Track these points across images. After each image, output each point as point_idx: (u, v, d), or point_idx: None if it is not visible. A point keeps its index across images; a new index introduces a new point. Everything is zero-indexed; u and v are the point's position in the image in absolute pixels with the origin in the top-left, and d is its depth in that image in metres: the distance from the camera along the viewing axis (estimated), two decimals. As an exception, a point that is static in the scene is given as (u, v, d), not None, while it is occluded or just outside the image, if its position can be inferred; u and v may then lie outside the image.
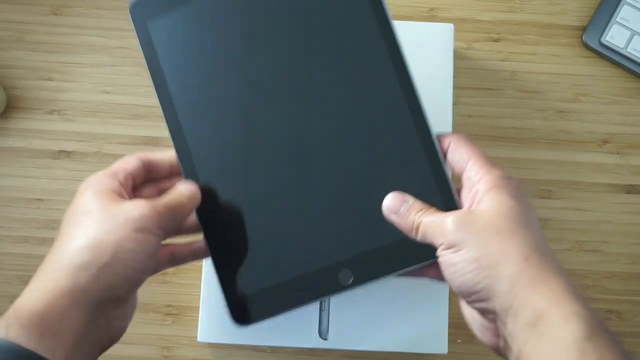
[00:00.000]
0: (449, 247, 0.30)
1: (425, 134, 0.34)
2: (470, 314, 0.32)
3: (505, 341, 0.30)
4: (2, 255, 0.49)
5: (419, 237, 0.32)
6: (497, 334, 0.30)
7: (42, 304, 0.28)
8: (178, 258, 0.37)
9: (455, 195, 0.33)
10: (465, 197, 0.32)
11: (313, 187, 0.35)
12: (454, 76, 0.45)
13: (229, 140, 0.36)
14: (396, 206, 0.33)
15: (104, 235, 0.30)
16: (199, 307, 0.45)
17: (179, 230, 0.37)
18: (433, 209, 0.32)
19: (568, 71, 0.52)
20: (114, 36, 0.52)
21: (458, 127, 0.50)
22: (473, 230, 0.30)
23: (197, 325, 0.45)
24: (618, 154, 0.51)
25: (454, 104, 0.45)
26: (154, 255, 0.31)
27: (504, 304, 0.28)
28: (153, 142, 0.51)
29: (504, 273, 0.28)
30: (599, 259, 0.49)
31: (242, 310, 0.35)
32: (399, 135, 0.34)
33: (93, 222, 0.30)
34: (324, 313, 0.45)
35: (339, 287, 0.34)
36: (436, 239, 0.31)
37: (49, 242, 0.49)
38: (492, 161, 0.33)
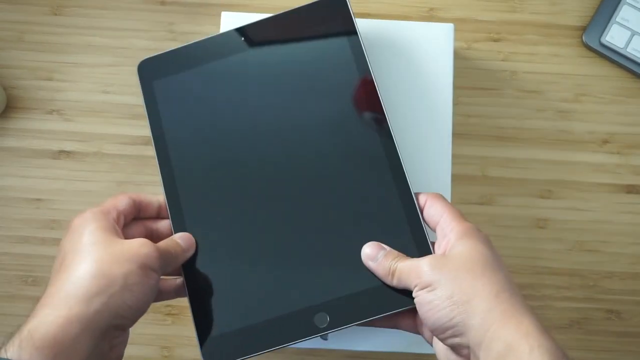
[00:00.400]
0: (424, 287, 0.32)
1: (404, 190, 0.37)
2: (444, 354, 0.34)
3: None
4: (2, 255, 0.49)
5: (394, 282, 0.35)
6: None
7: (56, 328, 0.29)
8: (164, 294, 0.39)
9: (430, 247, 0.36)
10: (438, 247, 0.35)
11: (294, 235, 0.38)
12: (454, 76, 0.45)
13: (216, 191, 0.39)
14: (374, 253, 0.36)
15: (114, 266, 0.32)
16: (198, 307, 0.45)
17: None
18: (408, 257, 0.35)
19: (568, 71, 0.52)
20: (114, 36, 0.52)
21: (458, 127, 0.50)
22: (447, 271, 0.32)
23: (197, 325, 0.46)
24: (618, 154, 0.51)
25: (454, 104, 0.45)
26: (155, 290, 0.33)
27: (477, 337, 0.30)
28: (153, 142, 0.51)
29: (477, 308, 0.31)
30: (599, 259, 0.49)
31: (213, 350, 0.36)
32: (380, 191, 0.37)
33: (101, 253, 0.32)
34: (324, 313, 0.44)
35: (314, 330, 0.36)
36: (411, 281, 0.33)
37: (48, 242, 0.49)
38: (463, 215, 0.35)
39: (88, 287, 0.31)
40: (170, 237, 0.37)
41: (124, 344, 0.34)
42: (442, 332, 0.32)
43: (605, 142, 0.51)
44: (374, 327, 0.44)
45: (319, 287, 0.36)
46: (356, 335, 0.44)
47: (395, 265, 0.35)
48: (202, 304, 0.37)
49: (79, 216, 0.35)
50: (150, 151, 0.50)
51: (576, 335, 0.48)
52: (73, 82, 0.51)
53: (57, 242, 0.49)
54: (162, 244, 0.35)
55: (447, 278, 0.32)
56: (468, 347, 0.31)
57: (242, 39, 0.41)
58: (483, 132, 0.51)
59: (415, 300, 0.33)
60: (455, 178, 0.48)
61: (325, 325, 0.35)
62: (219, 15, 0.50)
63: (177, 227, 0.38)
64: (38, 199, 0.50)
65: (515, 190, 0.50)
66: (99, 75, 0.51)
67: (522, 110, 0.51)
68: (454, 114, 0.46)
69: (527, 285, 0.49)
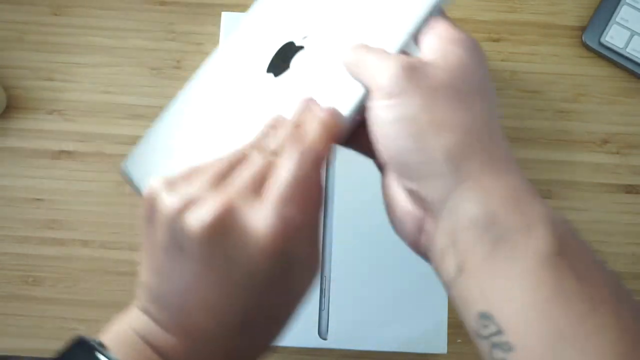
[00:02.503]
0: (383, 98, 0.23)
1: None
2: (391, 191, 0.25)
3: (432, 240, 0.24)
4: (2, 255, 0.49)
5: (352, 70, 0.26)
6: (421, 227, 0.24)
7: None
8: None
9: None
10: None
11: None
12: (454, 76, 0.45)
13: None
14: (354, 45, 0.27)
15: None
16: (199, 307, 0.45)
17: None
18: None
19: (568, 71, 0.52)
20: (114, 36, 0.52)
21: (458, 127, 0.50)
22: (419, 85, 0.23)
23: (197, 325, 0.46)
24: (618, 154, 0.51)
25: (453, 104, 0.45)
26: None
27: (441, 189, 0.22)
28: (153, 142, 0.51)
29: (448, 148, 0.22)
30: (598, 259, 0.49)
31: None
32: None
33: None
34: (324, 313, 0.45)
35: None
36: (369, 77, 0.24)
37: (48, 242, 0.49)
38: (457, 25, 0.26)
39: None
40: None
41: None
42: (394, 168, 0.24)
43: (605, 142, 0.51)
44: (373, 327, 0.44)
45: None
46: (356, 335, 0.44)
47: (363, 55, 0.25)
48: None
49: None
50: (151, 151, 0.50)
51: (576, 335, 0.48)
52: (73, 82, 0.51)
53: (57, 242, 0.49)
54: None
55: (418, 94, 0.23)
56: (424, 199, 0.23)
57: None
58: (483, 132, 0.51)
59: (367, 114, 0.24)
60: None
61: None
62: (219, 15, 0.50)
63: None
64: (38, 199, 0.50)
65: (515, 190, 0.50)
66: (99, 75, 0.51)
67: (522, 110, 0.51)
68: (454, 114, 0.46)
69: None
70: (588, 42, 0.52)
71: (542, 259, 0.20)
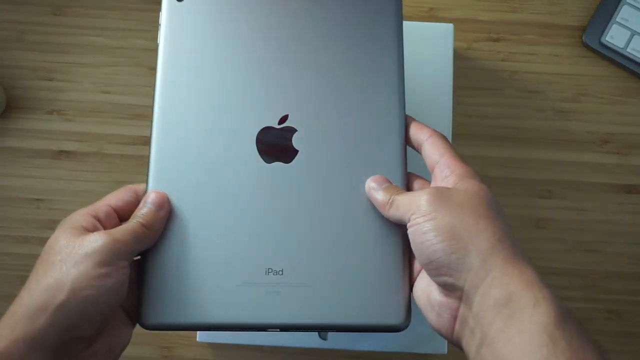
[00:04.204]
0: (422, 216, 0.30)
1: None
2: (427, 293, 0.31)
3: (465, 323, 0.29)
4: (2, 255, 0.49)
5: (391, 211, 0.32)
6: (456, 315, 0.29)
7: (1, 352, 0.26)
8: None
9: None
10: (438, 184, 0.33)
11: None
12: (454, 76, 0.45)
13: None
14: (379, 182, 0.33)
15: (63, 274, 0.28)
16: (199, 307, 0.45)
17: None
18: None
19: (568, 71, 0.52)
20: (114, 36, 0.52)
21: (458, 127, 0.50)
22: (450, 203, 0.29)
23: (197, 325, 0.46)
24: (618, 154, 0.51)
25: (454, 104, 0.45)
26: (119, 289, 0.29)
27: (475, 280, 0.28)
28: (153, 142, 0.51)
29: (479, 248, 0.28)
30: (599, 259, 0.49)
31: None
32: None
33: (55, 261, 0.29)
34: (324, 313, 0.44)
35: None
36: (409, 209, 0.30)
37: (49, 242, 0.49)
38: (464, 159, 0.33)
39: (33, 303, 0.27)
40: (134, 213, 0.32)
41: (96, 356, 0.30)
42: (434, 268, 0.29)
43: (605, 142, 0.51)
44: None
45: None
46: (356, 335, 0.44)
47: (395, 197, 0.32)
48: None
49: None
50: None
51: (576, 335, 0.48)
52: (73, 82, 0.51)
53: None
54: (120, 229, 0.30)
55: (449, 210, 0.29)
56: (461, 289, 0.28)
57: None
58: (483, 132, 0.51)
59: (409, 231, 0.30)
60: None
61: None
62: (219, 15, 0.50)
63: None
64: (38, 199, 0.50)
65: (515, 190, 0.50)
66: (99, 75, 0.51)
67: (522, 110, 0.51)
68: (454, 114, 0.46)
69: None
70: (588, 42, 0.52)
71: (542, 329, 0.25)
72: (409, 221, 0.30)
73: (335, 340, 0.44)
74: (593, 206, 0.50)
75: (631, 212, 0.50)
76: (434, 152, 0.33)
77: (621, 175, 0.50)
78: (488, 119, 0.51)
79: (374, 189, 0.33)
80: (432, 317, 0.31)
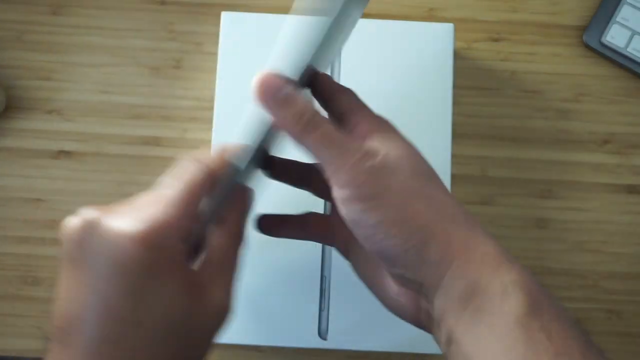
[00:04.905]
0: (361, 199, 0.24)
1: None
2: (382, 279, 0.27)
3: (428, 316, 0.26)
4: (2, 255, 0.49)
5: (311, 138, 0.25)
6: (418, 305, 0.26)
7: None
8: None
9: None
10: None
11: None
12: (454, 76, 0.45)
13: None
14: (277, 84, 0.25)
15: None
16: (198, 307, 0.45)
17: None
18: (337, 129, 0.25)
19: (568, 71, 0.52)
20: (114, 36, 0.52)
21: (458, 127, 0.50)
22: (390, 184, 0.24)
23: (197, 326, 0.45)
24: (618, 153, 0.51)
25: (454, 104, 0.45)
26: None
27: (434, 276, 0.24)
28: (153, 142, 0.51)
29: (436, 238, 0.24)
30: (599, 259, 0.49)
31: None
32: None
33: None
34: (324, 313, 0.45)
35: None
36: (335, 170, 0.24)
37: (48, 242, 0.49)
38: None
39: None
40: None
41: None
42: (386, 260, 0.25)
43: (606, 142, 0.51)
44: (373, 327, 0.44)
45: None
46: (356, 336, 0.44)
47: (323, 123, 0.25)
48: None
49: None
50: (151, 151, 0.50)
51: (576, 335, 0.48)
52: (73, 82, 0.51)
53: (57, 242, 0.49)
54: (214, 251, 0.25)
55: (397, 194, 0.24)
56: (420, 284, 0.25)
57: None
58: (483, 132, 0.51)
59: (344, 211, 0.25)
60: (455, 178, 0.48)
61: None
62: (219, 15, 0.50)
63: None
64: (38, 199, 0.50)
65: (515, 190, 0.50)
66: (99, 75, 0.51)
67: (522, 110, 0.51)
68: (454, 114, 0.46)
69: (527, 285, 0.49)
70: (588, 42, 0.51)
71: (515, 320, 0.22)
72: (335, 191, 0.25)
73: (335, 340, 0.44)
74: (593, 206, 0.50)
75: (632, 212, 0.50)
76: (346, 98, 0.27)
77: (622, 176, 0.50)
78: (488, 119, 0.51)
79: (270, 95, 0.25)
80: (391, 304, 0.27)
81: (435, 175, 0.26)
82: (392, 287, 0.27)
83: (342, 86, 0.28)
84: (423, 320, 0.26)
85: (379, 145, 0.25)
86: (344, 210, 0.25)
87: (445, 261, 0.24)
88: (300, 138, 0.25)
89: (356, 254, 0.30)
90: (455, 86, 0.45)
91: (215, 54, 0.51)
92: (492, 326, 0.22)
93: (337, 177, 0.24)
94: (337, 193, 0.25)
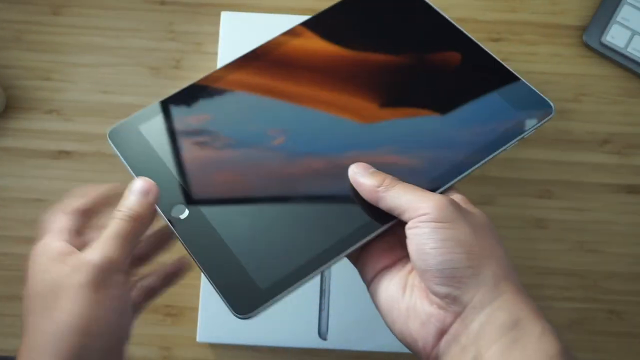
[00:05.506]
0: (436, 220, 0.28)
1: None
2: (414, 300, 0.29)
3: (455, 340, 0.28)
4: (2, 255, 0.49)
5: (387, 195, 0.30)
6: (446, 330, 0.28)
7: None
8: (154, 290, 0.36)
9: None
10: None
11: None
12: (454, 76, 0.44)
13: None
14: (364, 167, 0.32)
15: (66, 315, 0.28)
16: (198, 307, 0.45)
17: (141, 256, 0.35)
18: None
19: (568, 71, 0.52)
20: (114, 36, 0.52)
21: (458, 127, 0.50)
22: (468, 220, 0.29)
23: (196, 325, 0.46)
24: (618, 154, 0.51)
25: (454, 104, 0.45)
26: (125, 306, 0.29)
27: (484, 298, 0.27)
28: (153, 142, 0.50)
29: (494, 269, 0.28)
30: (599, 259, 0.49)
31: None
32: None
33: (53, 306, 0.28)
34: (324, 313, 0.45)
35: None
36: (415, 207, 0.29)
37: (48, 242, 0.49)
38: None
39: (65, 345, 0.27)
40: (118, 206, 0.30)
41: None
42: (442, 277, 0.28)
43: (606, 142, 0.51)
44: (373, 327, 0.44)
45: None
46: (356, 336, 0.44)
47: (394, 183, 0.30)
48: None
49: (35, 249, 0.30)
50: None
51: (576, 335, 0.48)
52: (72, 82, 0.51)
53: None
54: (105, 238, 0.29)
55: (469, 225, 0.29)
56: (464, 305, 0.28)
57: None
58: (483, 132, 0.51)
59: (416, 232, 0.29)
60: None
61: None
62: (219, 15, 0.50)
63: None
64: (38, 199, 0.50)
65: (515, 190, 0.50)
66: (99, 75, 0.51)
67: (522, 110, 0.51)
68: (454, 114, 0.46)
69: (527, 285, 0.48)
70: (589, 42, 0.51)
71: (549, 357, 0.26)
72: (414, 219, 0.29)
73: (335, 340, 0.44)
74: (593, 206, 0.50)
75: (632, 212, 0.50)
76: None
77: (622, 176, 0.50)
78: (488, 119, 0.51)
79: (359, 174, 0.31)
80: (412, 325, 0.29)
81: (501, 242, 0.30)
82: (425, 308, 0.29)
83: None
84: (441, 346, 0.29)
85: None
86: (415, 230, 0.29)
87: (498, 289, 0.28)
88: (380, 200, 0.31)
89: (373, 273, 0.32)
90: (455, 86, 0.45)
91: (215, 54, 0.51)
92: (526, 357, 0.26)
93: (416, 207, 0.29)
94: (415, 218, 0.29)
